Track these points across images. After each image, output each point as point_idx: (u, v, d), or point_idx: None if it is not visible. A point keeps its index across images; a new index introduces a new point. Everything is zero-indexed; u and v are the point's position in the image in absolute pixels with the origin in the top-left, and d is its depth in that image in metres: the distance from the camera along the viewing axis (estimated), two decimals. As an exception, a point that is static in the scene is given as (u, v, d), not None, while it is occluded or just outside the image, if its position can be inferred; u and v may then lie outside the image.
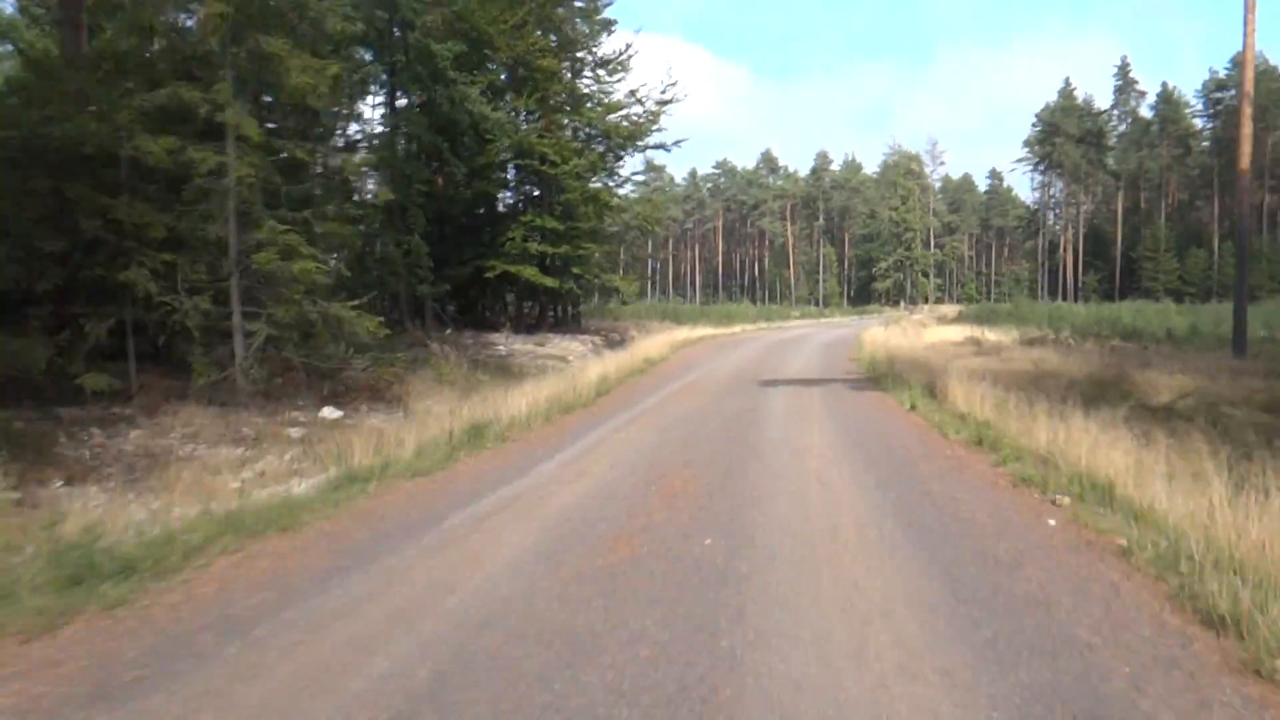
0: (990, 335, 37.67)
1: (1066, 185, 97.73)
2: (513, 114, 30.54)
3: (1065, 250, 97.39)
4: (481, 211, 33.44)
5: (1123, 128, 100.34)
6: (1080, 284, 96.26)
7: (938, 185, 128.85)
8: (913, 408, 14.37)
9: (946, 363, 22.72)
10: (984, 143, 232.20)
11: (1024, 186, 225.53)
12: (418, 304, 28.30)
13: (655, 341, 34.34)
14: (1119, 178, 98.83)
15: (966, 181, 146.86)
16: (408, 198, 26.28)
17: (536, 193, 33.81)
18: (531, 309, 36.60)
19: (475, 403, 14.52)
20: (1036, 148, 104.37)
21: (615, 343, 36.43)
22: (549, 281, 32.37)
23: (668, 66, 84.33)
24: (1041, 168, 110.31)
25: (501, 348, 29.06)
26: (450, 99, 26.32)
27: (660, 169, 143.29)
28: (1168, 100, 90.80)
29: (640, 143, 35.56)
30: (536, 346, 30.32)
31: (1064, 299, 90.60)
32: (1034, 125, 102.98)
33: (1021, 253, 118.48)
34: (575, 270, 33.66)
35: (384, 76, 26.04)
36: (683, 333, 44.02)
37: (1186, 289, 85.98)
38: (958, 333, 41.55)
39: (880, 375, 20.53)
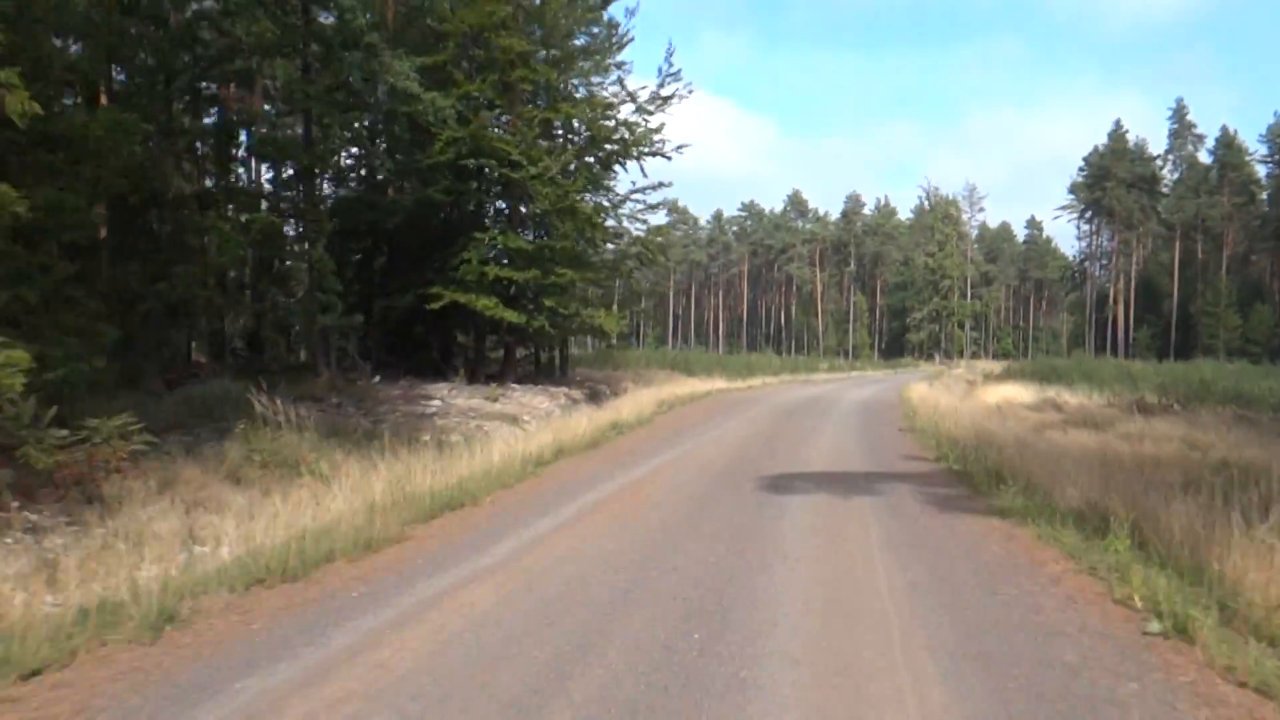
0: (1068, 397, 30.09)
1: (1117, 233, 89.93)
2: (464, 102, 23.60)
3: (1116, 302, 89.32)
4: (431, 225, 26.45)
5: (1176, 174, 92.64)
6: (1131, 339, 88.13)
7: (974, 233, 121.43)
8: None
9: (1044, 439, 15.34)
10: (1011, 198, 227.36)
11: (1067, 236, 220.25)
12: (326, 339, 21.23)
13: (646, 398, 27.36)
14: (1172, 227, 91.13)
15: (1005, 231, 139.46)
16: (309, 197, 19.34)
17: (501, 204, 26.92)
18: (497, 352, 29.50)
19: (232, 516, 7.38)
20: (1084, 193, 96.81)
21: (601, 397, 29.35)
22: (511, 316, 25.31)
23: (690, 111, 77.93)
24: (1088, 215, 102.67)
25: (436, 402, 21.91)
26: (365, 71, 19.42)
27: (683, 210, 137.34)
28: (1228, 145, 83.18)
29: (636, 150, 28.50)
30: (487, 402, 23.14)
31: (1113, 354, 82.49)
32: (1081, 170, 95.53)
33: (1065, 305, 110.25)
34: (549, 303, 26.56)
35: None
36: (689, 386, 37.00)
37: (1250, 347, 77.75)
38: (1023, 393, 33.98)
39: (967, 468, 12.81)
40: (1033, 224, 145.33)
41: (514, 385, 27.51)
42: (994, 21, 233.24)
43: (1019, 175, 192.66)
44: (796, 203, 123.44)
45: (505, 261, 25.70)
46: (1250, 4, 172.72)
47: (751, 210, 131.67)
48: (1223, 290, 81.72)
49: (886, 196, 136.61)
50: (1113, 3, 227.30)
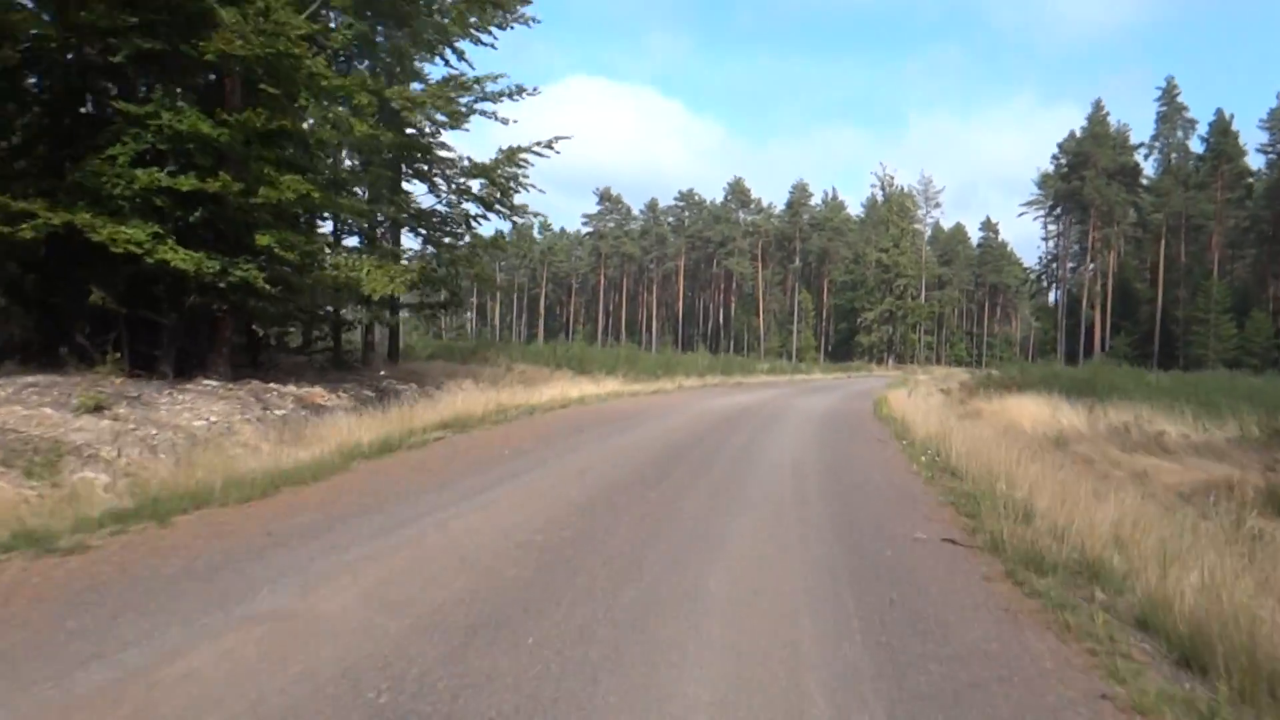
0: (1167, 426, 17.88)
1: (1094, 229, 79.01)
2: None
3: (1093, 306, 78.46)
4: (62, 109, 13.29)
5: (1160, 167, 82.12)
6: (1108, 347, 77.35)
7: (929, 233, 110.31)
8: None
9: None
10: (956, 208, 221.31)
11: (1024, 241, 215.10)
12: None
13: (452, 408, 15.47)
14: (1148, 226, 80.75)
15: (959, 233, 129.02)
16: None
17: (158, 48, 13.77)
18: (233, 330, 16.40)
19: None
20: (1056, 184, 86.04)
21: (388, 402, 16.72)
22: (178, 258, 12.48)
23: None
24: (1057, 212, 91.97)
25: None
26: None
27: (616, 199, 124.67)
28: (1223, 132, 72.58)
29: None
30: (73, 416, 10.15)
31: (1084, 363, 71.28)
32: (1055, 159, 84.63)
33: (1031, 310, 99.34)
34: (265, 240, 13.75)
35: None
36: (566, 388, 24.58)
37: (1246, 358, 67.25)
38: (1057, 413, 21.83)
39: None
40: (988, 226, 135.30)
41: (209, 382, 14.69)
42: (939, 30, 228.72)
43: (964, 184, 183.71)
44: (738, 193, 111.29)
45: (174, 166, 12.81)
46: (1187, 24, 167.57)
47: (690, 201, 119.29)
48: (1214, 294, 71.12)
49: (835, 189, 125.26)
50: (1055, 16, 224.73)
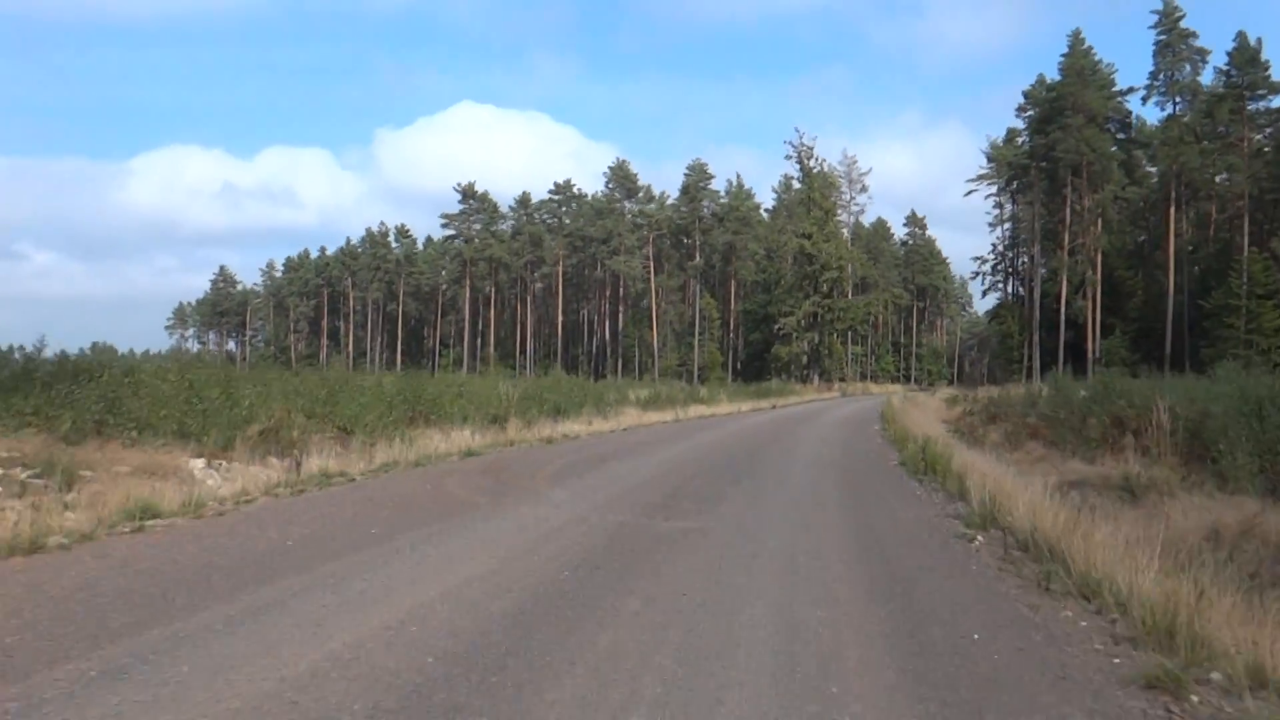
0: None
1: (1078, 199, 58.68)
2: None
3: (1086, 297, 58.03)
4: None
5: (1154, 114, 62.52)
6: (1098, 350, 57.11)
7: (853, 220, 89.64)
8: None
9: None
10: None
11: (954, 239, 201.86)
12: None
13: None
14: (1134, 198, 61.36)
15: (881, 228, 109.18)
16: None
17: None
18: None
19: None
20: (1014, 153, 66.06)
21: None
22: None
23: None
24: (1014, 186, 71.99)
25: None
26: None
27: (482, 196, 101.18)
28: (1248, 61, 53.02)
29: None
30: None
31: (1075, 369, 50.92)
32: (1021, 109, 64.39)
33: (990, 314, 78.90)
34: None
35: None
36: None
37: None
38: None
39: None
40: (914, 221, 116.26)
41: None
42: (824, 52, 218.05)
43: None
44: (622, 178, 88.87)
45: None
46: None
47: (566, 193, 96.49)
48: (1249, 272, 51.33)
49: (739, 175, 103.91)
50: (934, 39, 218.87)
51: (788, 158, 71.02)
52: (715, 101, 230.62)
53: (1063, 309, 60.09)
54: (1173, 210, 55.93)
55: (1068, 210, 60.80)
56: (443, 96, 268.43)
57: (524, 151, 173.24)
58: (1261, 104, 53.53)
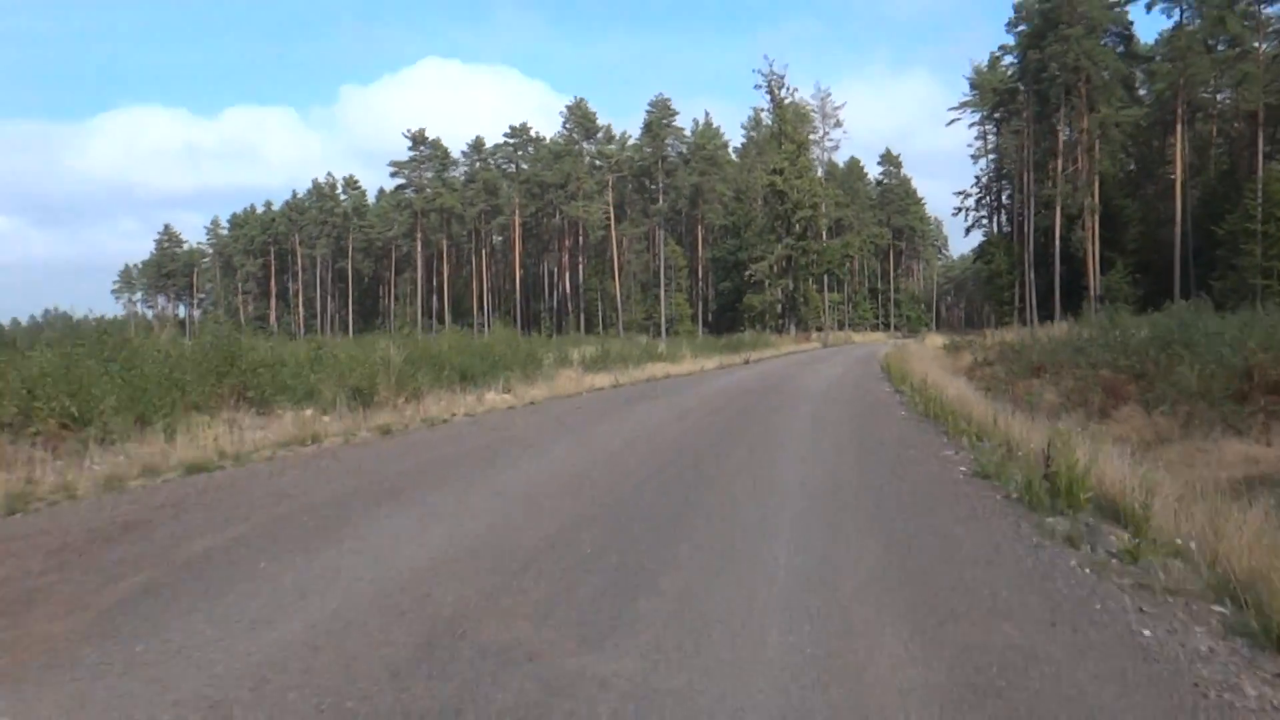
0: None
1: (1077, 117, 52.80)
2: None
3: (1084, 227, 52.48)
4: None
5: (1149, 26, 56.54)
6: (1099, 287, 51.80)
7: (822, 170, 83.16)
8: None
9: None
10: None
11: (947, 170, 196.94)
12: None
13: None
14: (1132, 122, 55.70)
15: (855, 168, 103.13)
16: None
17: None
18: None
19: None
20: (1002, 79, 59.98)
21: None
22: None
23: None
24: (1000, 115, 66.03)
25: None
26: None
27: (434, 142, 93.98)
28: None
29: None
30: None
31: (1067, 310, 45.71)
32: (1011, 24, 58.10)
33: (977, 251, 73.06)
34: None
35: None
36: None
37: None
38: None
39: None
40: (889, 160, 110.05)
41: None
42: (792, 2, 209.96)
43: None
44: (581, 117, 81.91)
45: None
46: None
47: (522, 136, 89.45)
48: (1263, 192, 45.98)
49: (707, 113, 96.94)
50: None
51: (757, 87, 64.64)
52: (683, 55, 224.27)
53: (1057, 242, 54.54)
54: (1180, 128, 50.23)
55: (1062, 133, 55.03)
56: (408, 52, 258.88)
57: (492, 107, 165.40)
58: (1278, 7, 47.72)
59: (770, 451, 8.62)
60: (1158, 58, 53.11)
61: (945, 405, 11.53)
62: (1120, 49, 53.41)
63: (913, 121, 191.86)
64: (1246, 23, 48.15)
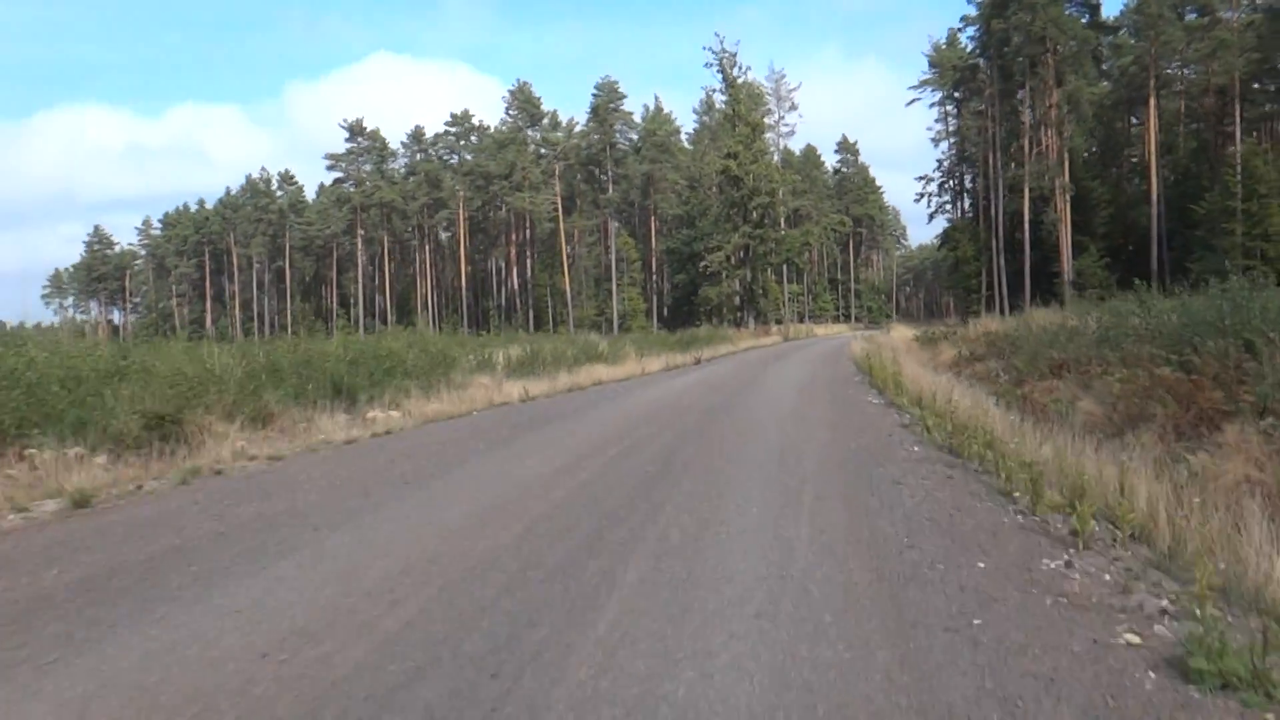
0: None
1: (1045, 91, 49.41)
2: None
3: (1056, 208, 49.21)
4: None
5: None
6: (1072, 272, 48.61)
7: (778, 155, 79.32)
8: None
9: None
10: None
11: (900, 161, 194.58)
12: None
13: None
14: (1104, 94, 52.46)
15: (812, 155, 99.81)
16: None
17: None
18: None
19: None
20: (977, 33, 56.66)
21: None
22: None
23: None
24: (961, 93, 62.72)
25: None
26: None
27: (373, 132, 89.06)
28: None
29: None
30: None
31: (1040, 296, 42.64)
32: (972, -4, 54.64)
33: (941, 238, 69.52)
34: None
35: None
36: None
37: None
38: None
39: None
40: (846, 147, 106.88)
41: None
42: None
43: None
44: (524, 102, 77.33)
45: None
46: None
47: (464, 125, 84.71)
48: (1243, 167, 43.02)
49: (657, 98, 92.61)
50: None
51: (708, 65, 60.45)
52: (636, 47, 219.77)
53: (1026, 225, 51.23)
54: (1154, 101, 47.09)
55: (1026, 110, 51.75)
56: (356, 47, 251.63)
57: (443, 103, 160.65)
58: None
59: (696, 600, 4.03)
60: (1124, 30, 49.91)
61: (976, 431, 7.57)
62: (1085, 19, 50.05)
63: (867, 113, 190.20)
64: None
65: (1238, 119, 44.52)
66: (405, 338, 21.19)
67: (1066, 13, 48.37)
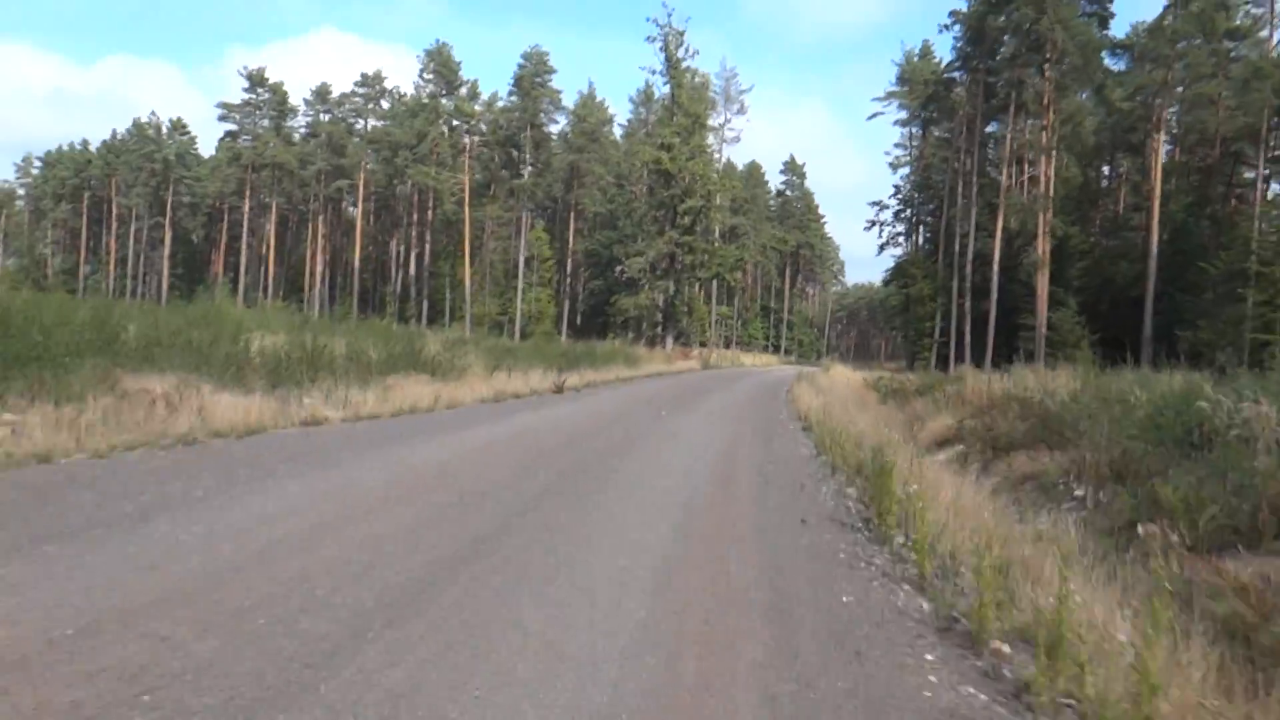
0: None
1: (1040, 107, 40.86)
2: None
3: (1038, 249, 40.64)
4: None
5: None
6: (1045, 326, 40.04)
7: (728, 149, 69.86)
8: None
9: None
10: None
11: (844, 203, 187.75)
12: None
13: None
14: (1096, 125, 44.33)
15: (755, 173, 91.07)
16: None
17: None
18: None
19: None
20: (957, 41, 48.14)
21: None
22: None
23: None
24: (931, 111, 54.17)
25: None
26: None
27: (281, 91, 77.44)
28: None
29: None
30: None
31: (1002, 355, 33.97)
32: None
33: (891, 272, 60.35)
34: None
35: None
36: None
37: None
38: None
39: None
40: (792, 169, 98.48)
41: None
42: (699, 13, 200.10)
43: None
44: (441, 66, 66.47)
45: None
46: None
47: (374, 86, 73.60)
48: (1260, 222, 34.89)
49: (591, 83, 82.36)
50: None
51: (650, 40, 50.60)
52: (585, 56, 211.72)
53: (996, 265, 42.64)
54: (1161, 136, 38.90)
55: (1012, 131, 43.26)
56: (304, 20, 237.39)
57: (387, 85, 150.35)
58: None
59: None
60: (1138, 45, 41.76)
61: None
62: (1098, 33, 41.77)
63: (811, 149, 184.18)
64: (1258, 6, 37.08)
65: (1260, 163, 36.49)
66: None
67: (1077, 19, 39.94)
